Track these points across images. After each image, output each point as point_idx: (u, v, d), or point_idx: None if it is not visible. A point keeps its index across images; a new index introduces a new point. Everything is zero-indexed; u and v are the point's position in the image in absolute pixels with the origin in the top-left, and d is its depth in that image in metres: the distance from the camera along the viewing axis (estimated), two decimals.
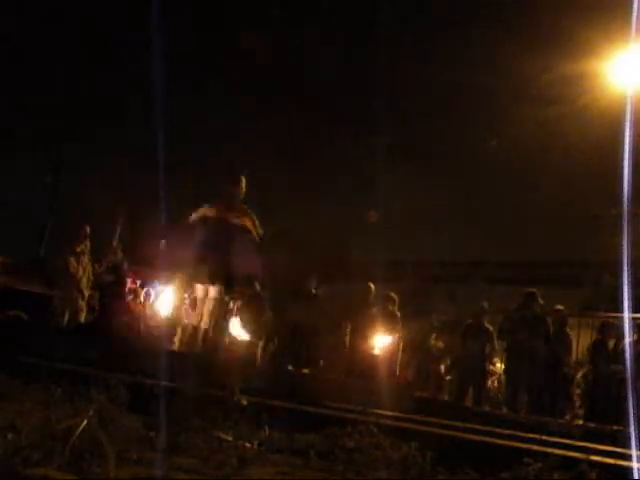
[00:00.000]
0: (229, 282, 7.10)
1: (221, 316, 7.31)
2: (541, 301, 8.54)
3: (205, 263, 6.94)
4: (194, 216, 7.06)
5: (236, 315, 9.39)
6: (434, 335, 9.78)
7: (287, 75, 18.64)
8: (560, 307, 8.44)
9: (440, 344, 9.86)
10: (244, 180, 7.09)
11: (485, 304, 9.26)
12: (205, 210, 7.03)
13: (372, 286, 9.47)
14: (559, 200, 15.38)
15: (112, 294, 10.10)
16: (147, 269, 12.77)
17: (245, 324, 9.27)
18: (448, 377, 9.92)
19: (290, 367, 8.46)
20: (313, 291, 9.49)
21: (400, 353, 9.19)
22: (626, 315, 6.71)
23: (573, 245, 14.44)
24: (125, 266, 10.58)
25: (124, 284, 10.69)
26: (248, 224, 7.02)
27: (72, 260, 9.00)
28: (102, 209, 14.54)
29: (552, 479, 2.77)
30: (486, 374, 9.09)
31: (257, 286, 9.46)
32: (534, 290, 8.61)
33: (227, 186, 7.05)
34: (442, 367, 10.23)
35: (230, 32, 18.27)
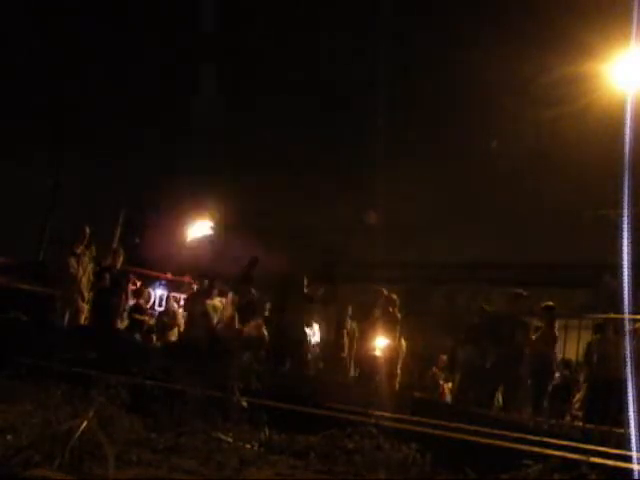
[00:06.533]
0: None
1: None
2: (527, 297, 8.50)
3: None
4: None
5: None
6: (434, 337, 9.77)
7: (286, 75, 18.65)
8: (550, 303, 8.31)
9: (440, 346, 9.85)
10: None
11: (486, 306, 9.24)
12: None
13: (384, 290, 9.36)
14: (559, 201, 15.39)
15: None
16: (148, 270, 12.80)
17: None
18: (449, 379, 9.91)
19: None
20: (305, 290, 9.50)
21: (401, 355, 9.16)
22: (626, 315, 6.71)
23: (573, 246, 14.43)
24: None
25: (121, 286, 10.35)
26: None
27: (72, 261, 8.98)
28: (103, 210, 14.56)
29: None
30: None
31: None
32: (520, 290, 8.60)
33: None
34: (442, 369, 10.23)
35: None
